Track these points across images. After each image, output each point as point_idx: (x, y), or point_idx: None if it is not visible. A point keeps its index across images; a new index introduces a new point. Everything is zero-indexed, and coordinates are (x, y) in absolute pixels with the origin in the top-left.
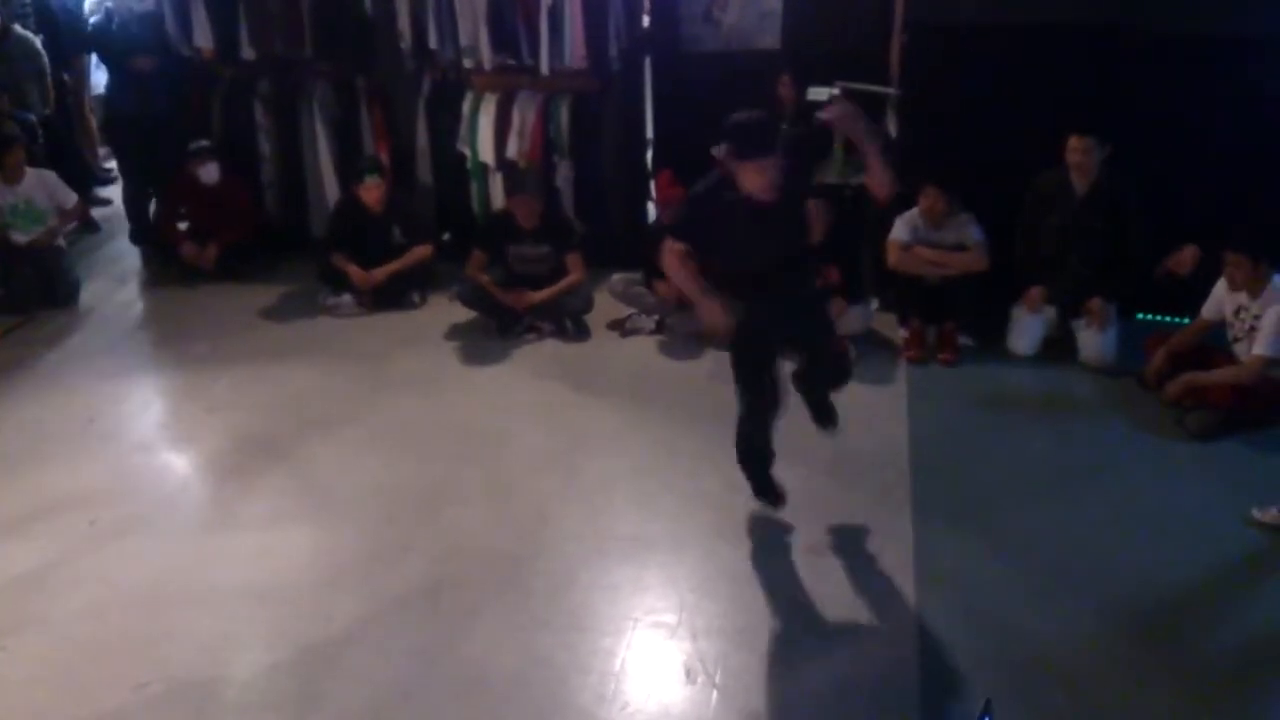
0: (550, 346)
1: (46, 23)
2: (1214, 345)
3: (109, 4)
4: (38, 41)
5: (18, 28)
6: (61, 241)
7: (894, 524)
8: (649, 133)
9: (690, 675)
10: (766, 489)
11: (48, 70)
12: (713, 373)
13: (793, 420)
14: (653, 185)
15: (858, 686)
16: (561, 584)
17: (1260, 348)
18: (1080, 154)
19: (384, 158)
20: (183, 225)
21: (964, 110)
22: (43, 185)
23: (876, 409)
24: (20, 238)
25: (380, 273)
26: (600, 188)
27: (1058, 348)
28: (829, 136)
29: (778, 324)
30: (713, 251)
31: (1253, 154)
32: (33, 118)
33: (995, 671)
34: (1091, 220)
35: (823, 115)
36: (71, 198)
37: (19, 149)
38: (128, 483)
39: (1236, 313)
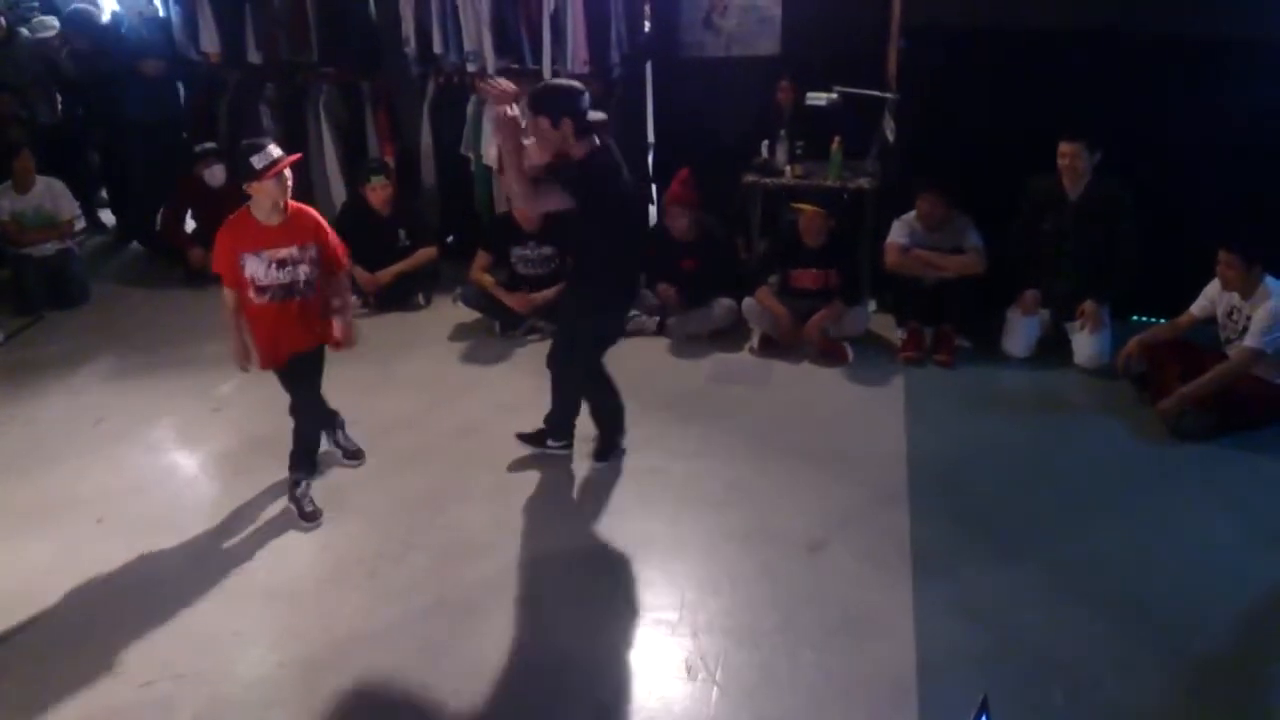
0: None
1: None
2: (1198, 343)
3: (116, 9)
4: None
5: (23, 30)
6: (73, 244)
7: (892, 523)
8: (650, 137)
9: (691, 672)
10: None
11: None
12: (713, 375)
13: (792, 420)
14: (654, 188)
15: (856, 683)
16: (563, 582)
17: (1251, 340)
18: (1070, 159)
19: (389, 161)
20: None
21: (961, 115)
22: (50, 194)
23: (874, 409)
24: (43, 249)
25: (385, 274)
26: None
27: (1052, 350)
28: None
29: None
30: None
31: (1245, 156)
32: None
33: (992, 669)
34: (1085, 224)
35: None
36: (70, 210)
37: (26, 155)
38: (135, 482)
39: (1229, 314)
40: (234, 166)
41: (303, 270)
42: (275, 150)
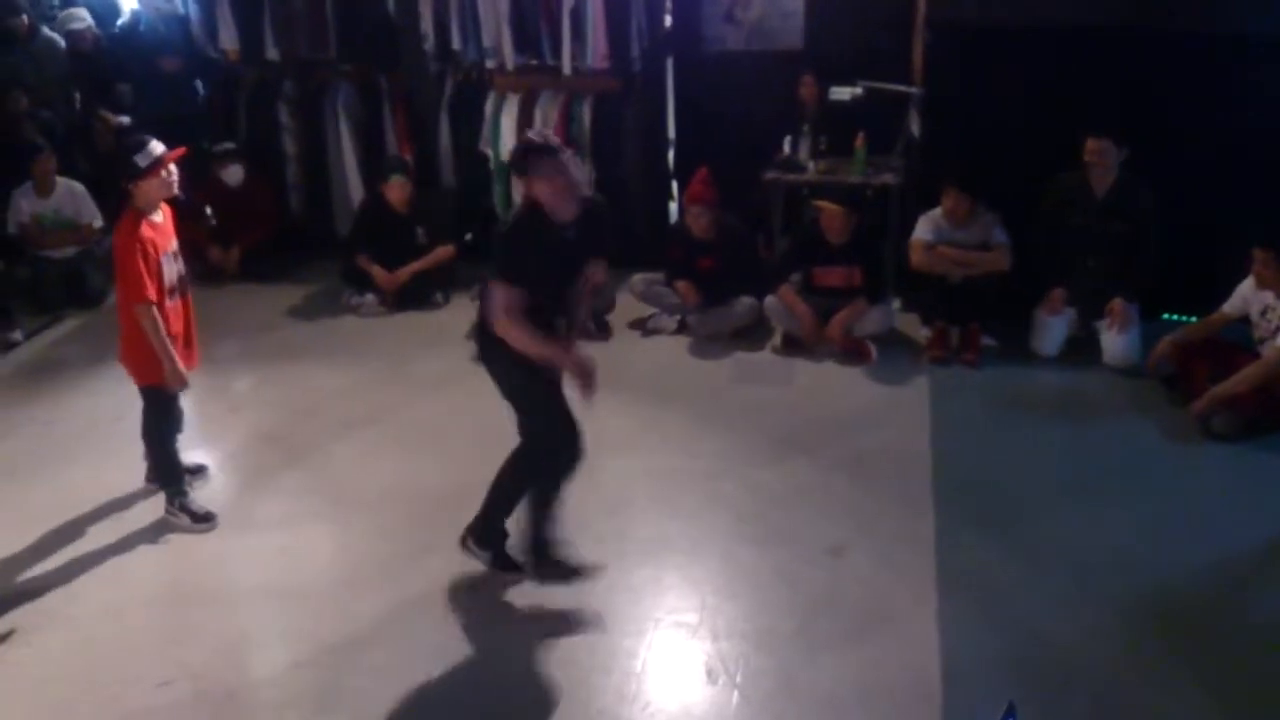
0: None
1: None
2: (1230, 341)
3: (136, 6)
4: (63, 43)
5: (45, 29)
6: (92, 246)
7: (915, 525)
8: (670, 132)
9: (711, 676)
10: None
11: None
12: (734, 374)
13: (815, 420)
14: (675, 185)
15: (879, 688)
16: (582, 585)
17: None
18: (1097, 155)
19: (407, 159)
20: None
21: (986, 110)
22: (71, 197)
23: (899, 409)
24: (58, 253)
25: (403, 273)
26: (622, 188)
27: (1081, 349)
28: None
29: None
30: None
31: (1275, 153)
32: (48, 114)
33: (1018, 674)
34: (1111, 222)
35: None
36: (90, 214)
37: (48, 157)
38: None
39: (1263, 312)
40: (117, 169)
41: (180, 261)
42: (158, 146)
